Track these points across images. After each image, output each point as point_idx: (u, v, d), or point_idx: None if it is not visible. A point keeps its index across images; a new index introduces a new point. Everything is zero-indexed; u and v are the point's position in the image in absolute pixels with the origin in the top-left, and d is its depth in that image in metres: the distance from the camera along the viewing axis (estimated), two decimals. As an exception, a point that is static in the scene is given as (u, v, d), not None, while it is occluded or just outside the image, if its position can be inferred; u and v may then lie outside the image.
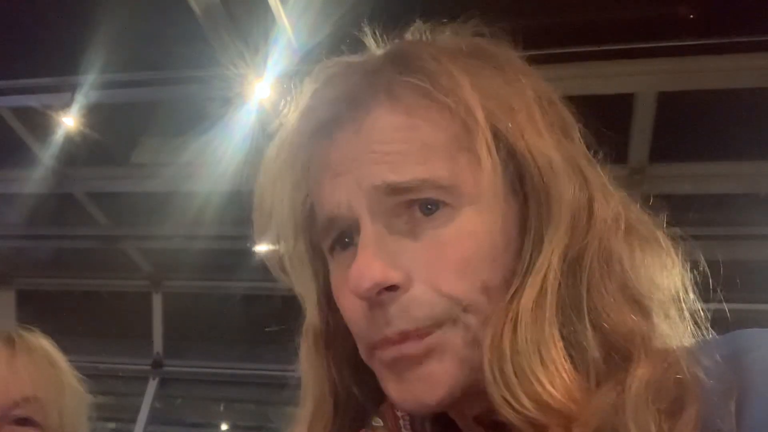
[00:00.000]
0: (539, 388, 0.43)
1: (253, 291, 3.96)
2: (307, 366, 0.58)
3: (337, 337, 0.57)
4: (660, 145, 3.03)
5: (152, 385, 4.39)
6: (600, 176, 0.53)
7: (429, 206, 0.48)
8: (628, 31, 2.68)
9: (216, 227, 3.58)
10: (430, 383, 0.48)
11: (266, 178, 0.58)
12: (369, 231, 0.49)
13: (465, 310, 0.47)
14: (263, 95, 2.91)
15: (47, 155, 3.56)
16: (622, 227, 0.50)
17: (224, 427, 5.13)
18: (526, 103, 0.52)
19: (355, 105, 0.51)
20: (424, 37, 0.58)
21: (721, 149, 3.15)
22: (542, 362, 0.44)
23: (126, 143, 3.87)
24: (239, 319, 4.25)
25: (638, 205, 0.55)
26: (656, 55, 2.64)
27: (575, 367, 0.45)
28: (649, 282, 0.50)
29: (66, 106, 3.16)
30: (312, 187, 0.54)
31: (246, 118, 2.99)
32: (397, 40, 0.57)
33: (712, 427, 0.44)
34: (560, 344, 0.45)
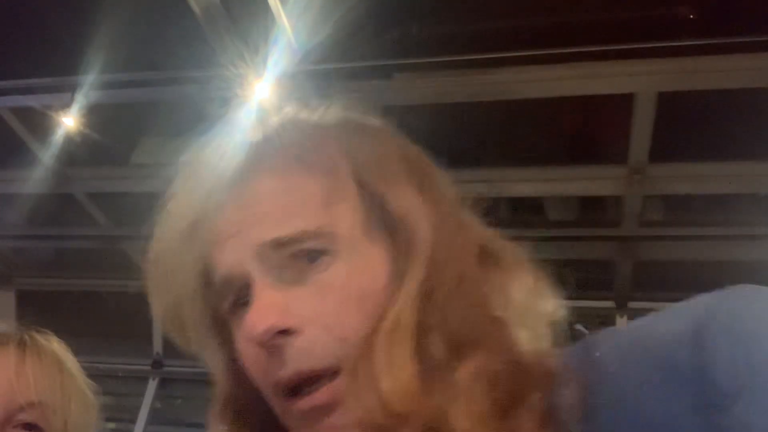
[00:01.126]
0: (384, 396, 0.50)
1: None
2: None
3: (248, 404, 0.60)
4: (660, 145, 3.03)
5: (152, 385, 4.39)
6: (457, 216, 0.59)
7: (312, 255, 0.54)
8: (628, 31, 2.68)
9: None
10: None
11: (161, 253, 0.62)
12: (261, 284, 0.55)
13: (354, 347, 0.53)
14: (263, 95, 2.91)
15: (47, 155, 3.56)
16: (477, 253, 0.56)
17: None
18: (390, 159, 0.59)
19: (239, 176, 0.58)
20: (302, 113, 0.64)
21: (721, 149, 3.15)
22: (391, 376, 0.50)
23: (126, 143, 3.87)
24: (239, 319, 4.25)
25: (498, 234, 0.61)
26: (656, 55, 2.64)
27: (423, 378, 0.51)
28: (505, 298, 0.56)
29: (66, 106, 3.16)
30: (206, 255, 0.59)
31: (246, 119, 2.98)
32: (274, 118, 0.64)
33: (556, 417, 0.50)
34: (411, 361, 0.51)
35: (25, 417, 0.94)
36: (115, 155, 3.85)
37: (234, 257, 0.56)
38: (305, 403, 0.53)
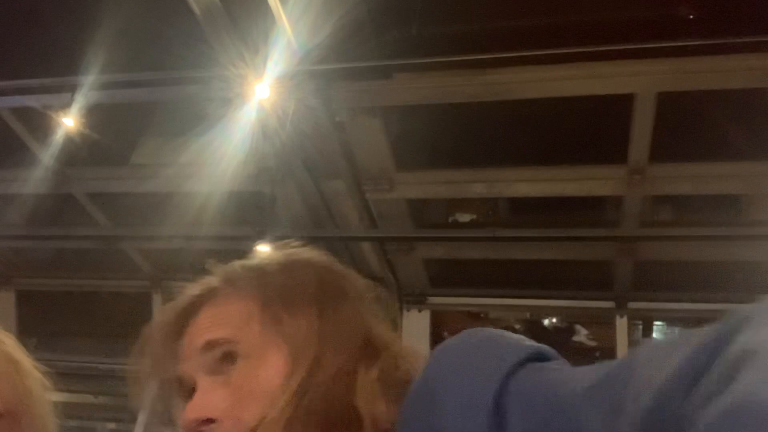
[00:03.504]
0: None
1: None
2: None
3: None
4: (660, 145, 3.03)
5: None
6: (349, 322, 0.77)
7: (231, 357, 0.73)
8: (628, 31, 2.68)
9: (216, 227, 3.58)
10: None
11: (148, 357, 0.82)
12: (200, 383, 0.74)
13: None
14: (263, 95, 2.91)
15: (47, 155, 3.56)
16: (360, 347, 0.75)
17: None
18: (296, 290, 0.78)
19: (193, 310, 0.80)
20: (262, 256, 0.89)
21: (721, 149, 3.15)
22: None
23: (126, 144, 3.87)
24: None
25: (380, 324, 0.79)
26: (656, 55, 2.64)
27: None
28: (383, 343, 0.76)
29: (66, 106, 3.16)
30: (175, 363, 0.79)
31: (246, 118, 2.99)
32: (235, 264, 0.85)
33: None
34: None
35: None
36: (115, 155, 3.85)
37: (187, 366, 0.76)
38: None
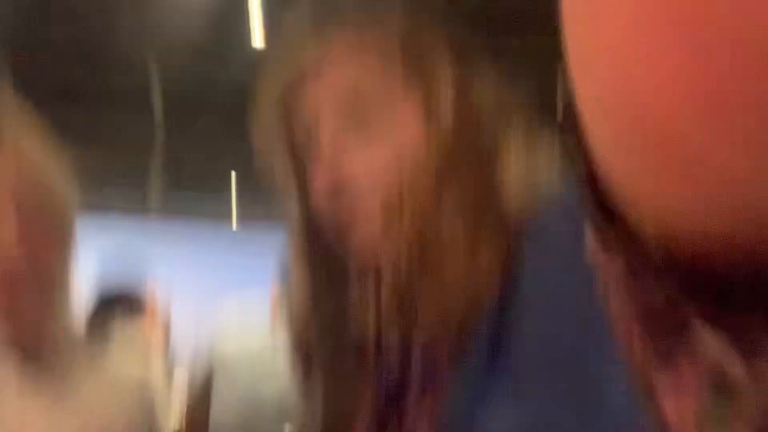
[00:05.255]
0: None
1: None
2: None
3: (321, 247, 0.69)
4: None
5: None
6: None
7: (363, 114, 0.66)
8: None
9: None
10: None
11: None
12: (326, 146, 0.66)
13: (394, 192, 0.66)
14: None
15: None
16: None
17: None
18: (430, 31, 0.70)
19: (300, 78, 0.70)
20: None
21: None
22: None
23: None
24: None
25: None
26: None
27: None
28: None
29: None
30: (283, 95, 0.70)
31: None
32: None
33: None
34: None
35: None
36: None
37: (312, 114, 0.67)
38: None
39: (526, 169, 0.64)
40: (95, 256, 1.82)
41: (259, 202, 4.11)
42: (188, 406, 1.99)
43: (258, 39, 4.40)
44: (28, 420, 0.82)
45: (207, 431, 1.87)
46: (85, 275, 1.25)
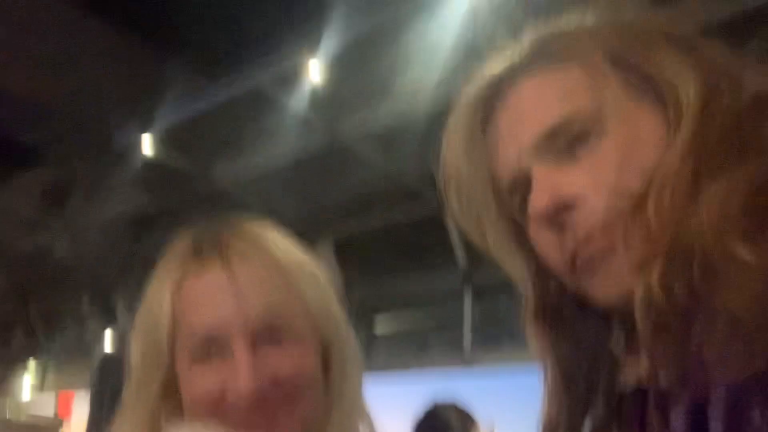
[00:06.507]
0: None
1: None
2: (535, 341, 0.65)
3: (554, 304, 0.63)
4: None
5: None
6: (727, 69, 0.60)
7: (582, 137, 0.58)
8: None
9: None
10: None
11: (452, 158, 0.66)
12: (538, 172, 0.59)
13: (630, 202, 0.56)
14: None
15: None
16: (750, 103, 0.57)
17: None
18: (644, 33, 0.62)
19: (497, 93, 0.64)
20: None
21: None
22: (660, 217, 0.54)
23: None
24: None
25: None
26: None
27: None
28: None
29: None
30: (489, 162, 0.65)
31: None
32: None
33: None
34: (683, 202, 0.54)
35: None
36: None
37: (513, 157, 0.61)
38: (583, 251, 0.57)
39: None
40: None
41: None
42: None
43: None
44: None
45: None
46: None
